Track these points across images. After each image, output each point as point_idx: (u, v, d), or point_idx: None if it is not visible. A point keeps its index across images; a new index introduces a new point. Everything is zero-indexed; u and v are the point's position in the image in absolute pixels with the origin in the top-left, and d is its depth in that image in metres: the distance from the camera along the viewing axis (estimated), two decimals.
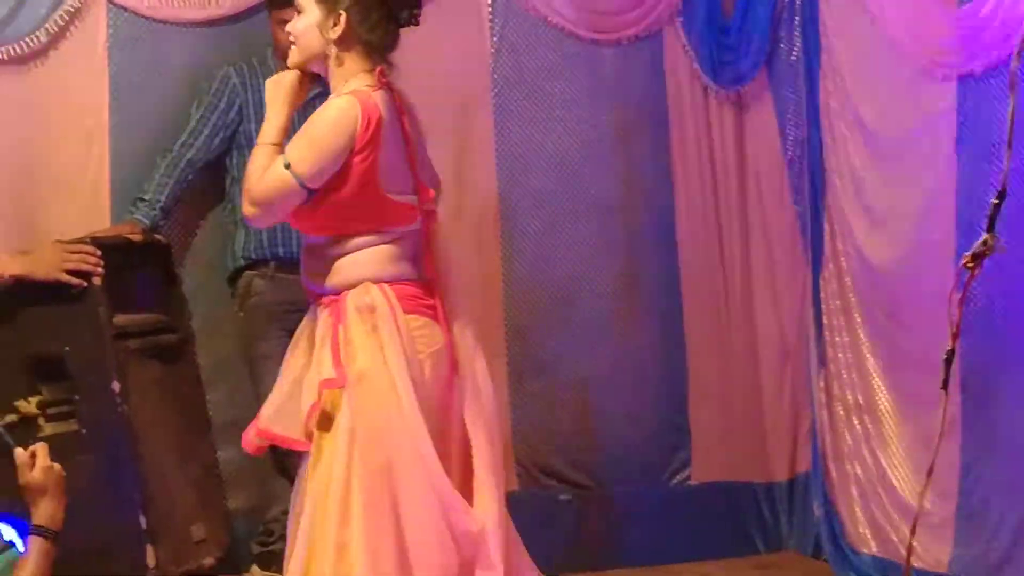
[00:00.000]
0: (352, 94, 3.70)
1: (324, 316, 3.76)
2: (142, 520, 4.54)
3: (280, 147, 3.73)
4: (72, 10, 5.03)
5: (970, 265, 3.59)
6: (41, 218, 5.02)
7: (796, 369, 5.82)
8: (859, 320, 5.46)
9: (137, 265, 4.92)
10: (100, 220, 5.06)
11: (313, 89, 3.99)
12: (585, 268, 5.68)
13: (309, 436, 3.71)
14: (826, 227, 5.59)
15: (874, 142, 5.41)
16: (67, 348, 4.56)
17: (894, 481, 5.24)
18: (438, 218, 3.91)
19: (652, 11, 5.67)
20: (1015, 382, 4.63)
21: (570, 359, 5.65)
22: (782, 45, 5.76)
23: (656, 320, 5.76)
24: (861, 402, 5.42)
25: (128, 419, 4.57)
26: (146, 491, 4.59)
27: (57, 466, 3.41)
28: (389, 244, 3.77)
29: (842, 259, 5.53)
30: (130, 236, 4.92)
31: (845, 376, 5.51)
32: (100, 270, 4.58)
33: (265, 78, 4.85)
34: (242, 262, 5.02)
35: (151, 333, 4.87)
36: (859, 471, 5.44)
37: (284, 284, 4.90)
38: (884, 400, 5.32)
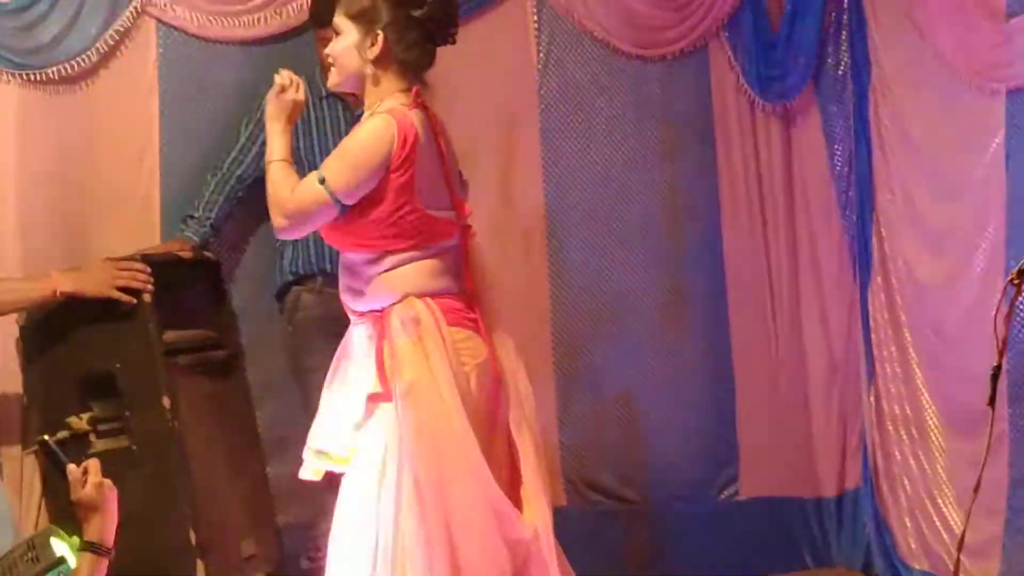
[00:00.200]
0: (388, 113, 3.73)
1: (366, 332, 3.79)
2: (192, 536, 4.56)
3: (288, 162, 3.79)
4: (122, 30, 5.06)
5: (1016, 281, 3.58)
6: (92, 235, 5.05)
7: (844, 384, 5.79)
8: (907, 335, 5.44)
9: (187, 282, 4.95)
10: (150, 237, 5.09)
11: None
12: (632, 283, 5.68)
13: (352, 451, 3.73)
14: (874, 242, 5.57)
15: (923, 157, 5.40)
16: (118, 365, 4.61)
17: (941, 497, 5.21)
18: (475, 232, 3.92)
19: (698, 26, 5.67)
20: None
21: (617, 374, 5.65)
22: (829, 60, 5.74)
23: (703, 335, 5.74)
24: (910, 417, 5.40)
25: (178, 435, 4.60)
26: (196, 507, 4.61)
27: (108, 482, 3.40)
28: (430, 259, 3.80)
29: (891, 274, 5.52)
30: (180, 253, 4.96)
31: (894, 391, 5.49)
32: (150, 287, 4.61)
33: (314, 96, 4.94)
34: (290, 277, 5.04)
35: (201, 349, 4.91)
36: (909, 486, 5.42)
37: (332, 299, 4.90)
38: (932, 416, 5.29)
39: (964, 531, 3.98)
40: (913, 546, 5.36)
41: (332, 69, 3.87)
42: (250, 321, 5.20)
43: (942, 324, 5.23)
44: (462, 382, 3.73)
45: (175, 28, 5.15)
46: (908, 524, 5.42)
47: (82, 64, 5.02)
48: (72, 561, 3.34)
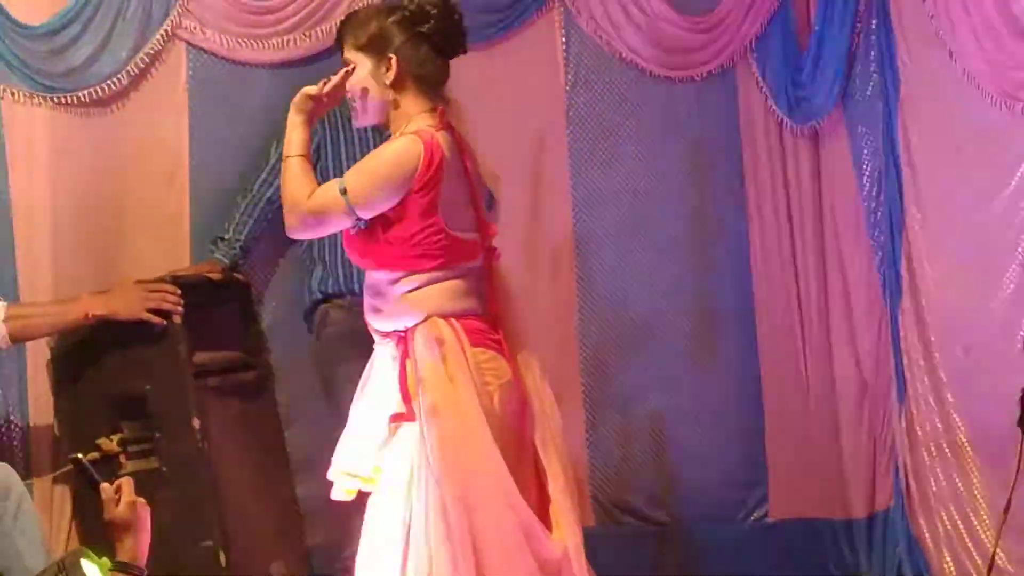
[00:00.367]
0: (416, 133, 3.74)
1: (390, 353, 3.80)
2: (222, 557, 4.56)
3: (307, 157, 3.81)
4: (153, 52, 5.08)
5: None
6: (122, 257, 5.07)
7: (874, 404, 5.77)
8: (937, 355, 5.43)
9: (217, 303, 4.96)
10: (180, 259, 5.10)
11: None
12: (660, 303, 5.68)
13: (377, 472, 3.74)
14: (903, 262, 5.56)
15: (952, 176, 5.39)
16: (148, 386, 4.61)
17: (974, 518, 5.19)
18: (500, 254, 3.93)
19: (726, 47, 5.68)
20: None
21: (646, 394, 5.64)
22: (858, 80, 5.74)
23: (732, 355, 5.74)
24: (942, 437, 5.39)
25: (208, 456, 4.61)
26: (225, 528, 4.62)
27: (142, 501, 3.39)
28: (454, 280, 3.80)
29: (920, 294, 5.51)
30: (210, 275, 4.97)
31: (926, 412, 5.48)
32: (180, 309, 4.62)
33: (342, 117, 4.96)
34: (319, 295, 5.04)
35: (230, 371, 4.91)
36: (942, 507, 5.40)
37: (360, 314, 4.91)
38: (963, 436, 5.28)
39: (993, 553, 3.97)
40: (946, 567, 5.33)
41: (355, 107, 3.89)
42: (279, 342, 5.21)
43: (972, 344, 5.21)
44: (486, 402, 3.73)
45: (205, 51, 5.17)
46: (941, 545, 5.40)
47: (113, 87, 5.04)
48: None
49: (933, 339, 5.49)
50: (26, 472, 4.72)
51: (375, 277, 3.84)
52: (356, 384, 3.95)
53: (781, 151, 5.75)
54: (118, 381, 4.66)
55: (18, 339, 4.49)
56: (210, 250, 5.05)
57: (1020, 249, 4.93)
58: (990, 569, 4.03)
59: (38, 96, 4.94)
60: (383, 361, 3.83)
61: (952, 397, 5.40)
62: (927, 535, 5.47)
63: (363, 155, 4.74)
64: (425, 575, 3.64)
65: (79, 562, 3.34)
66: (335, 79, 3.86)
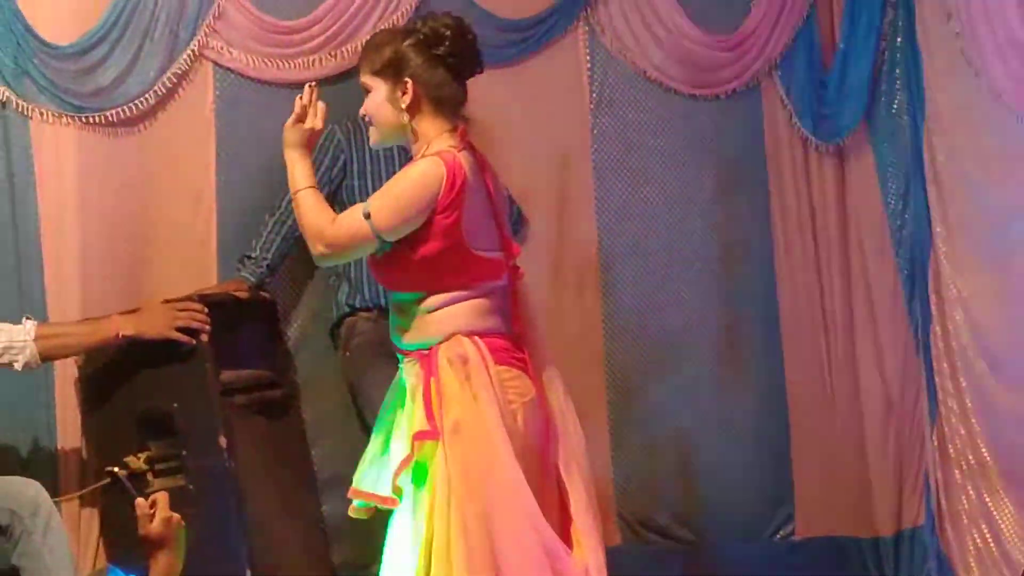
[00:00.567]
0: (437, 155, 3.76)
1: (414, 371, 3.81)
2: (248, 575, 4.58)
3: (316, 188, 3.86)
4: (180, 72, 5.11)
5: None
6: (149, 276, 5.08)
7: (900, 421, 5.76)
8: (966, 374, 5.42)
9: (243, 322, 4.97)
10: (207, 278, 5.12)
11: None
12: (685, 321, 5.67)
13: (398, 491, 3.75)
14: (931, 282, 5.55)
15: (978, 193, 5.39)
16: (175, 404, 4.63)
17: (1004, 537, 5.18)
18: (523, 273, 3.94)
19: (751, 65, 5.69)
20: None
21: (671, 412, 5.63)
22: (883, 98, 5.74)
23: (758, 373, 5.73)
24: (973, 456, 5.38)
25: (234, 474, 4.62)
26: (252, 546, 4.62)
27: (176, 517, 3.34)
28: (478, 299, 3.81)
29: (948, 312, 5.50)
30: (236, 293, 4.98)
31: (956, 429, 5.47)
32: (208, 327, 4.64)
33: (368, 136, 4.98)
34: (347, 309, 5.05)
35: (257, 389, 4.92)
36: (972, 525, 5.39)
37: (386, 326, 4.93)
38: (992, 454, 5.27)
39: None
40: None
41: (371, 128, 3.91)
42: (305, 360, 5.22)
43: (997, 363, 5.20)
44: (509, 420, 3.74)
45: (231, 71, 5.19)
46: (972, 563, 5.38)
47: (140, 106, 5.07)
48: None
49: (960, 358, 5.48)
50: (54, 490, 4.74)
51: (400, 297, 3.85)
52: (384, 391, 3.96)
53: (806, 169, 5.76)
54: (145, 399, 4.68)
55: (47, 358, 4.50)
56: (236, 269, 5.06)
57: None
58: None
59: (66, 116, 4.96)
60: (406, 380, 3.83)
61: (980, 415, 5.38)
62: (958, 553, 5.45)
63: (389, 172, 4.79)
64: None
65: None
66: (304, 97, 3.90)
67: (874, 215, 5.77)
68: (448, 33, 3.81)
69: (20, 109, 4.91)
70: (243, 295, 5.00)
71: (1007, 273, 5.18)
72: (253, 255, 5.04)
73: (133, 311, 4.68)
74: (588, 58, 5.61)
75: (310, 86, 3.97)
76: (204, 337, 4.63)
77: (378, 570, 5.03)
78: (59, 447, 4.87)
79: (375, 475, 3.84)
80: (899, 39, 5.68)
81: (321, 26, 5.24)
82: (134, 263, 5.09)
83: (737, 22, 5.70)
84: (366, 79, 3.90)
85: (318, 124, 3.93)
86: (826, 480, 5.74)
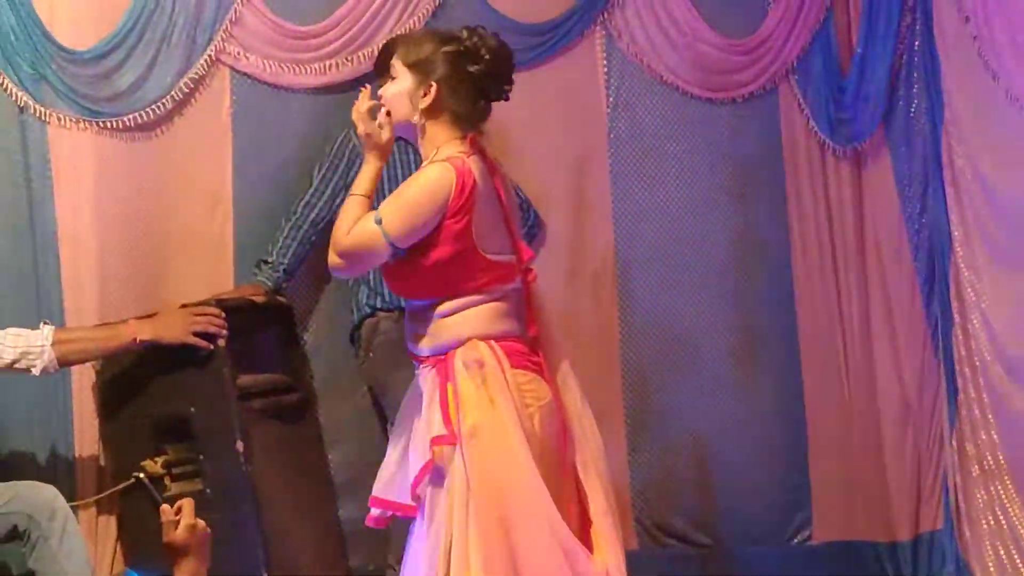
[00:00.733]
0: (447, 160, 3.76)
1: (430, 377, 3.81)
2: None
3: (370, 198, 3.82)
4: (197, 78, 5.12)
5: None
6: (166, 280, 5.10)
7: (918, 425, 5.75)
8: (985, 378, 5.41)
9: (260, 326, 4.99)
10: (224, 282, 5.13)
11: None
12: (702, 325, 5.67)
13: (417, 499, 3.75)
14: (951, 285, 5.55)
15: (997, 197, 5.38)
16: (192, 409, 4.64)
17: None
18: (536, 276, 3.94)
19: (767, 69, 5.68)
20: None
21: (688, 416, 5.63)
22: (900, 102, 5.73)
23: (775, 377, 5.72)
24: (992, 460, 5.37)
25: (251, 478, 4.63)
26: (269, 549, 4.63)
27: (201, 523, 3.32)
28: (493, 302, 3.81)
29: (969, 316, 5.49)
30: (253, 298, 5.00)
31: (975, 433, 5.46)
32: (225, 332, 4.65)
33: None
34: (368, 309, 5.04)
35: (273, 393, 4.94)
36: (990, 530, 5.38)
37: None
38: (1011, 459, 5.26)
39: None
40: None
41: (381, 111, 3.91)
42: (322, 364, 5.23)
43: (1019, 368, 5.20)
44: (527, 423, 3.74)
45: (248, 76, 5.20)
46: (991, 568, 5.37)
47: (157, 111, 5.08)
48: None
49: (979, 361, 5.47)
50: (72, 494, 4.76)
51: (415, 304, 3.86)
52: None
53: (823, 172, 5.75)
54: (163, 404, 4.69)
55: (65, 363, 4.51)
56: (253, 273, 5.08)
57: None
58: None
59: (84, 121, 4.98)
60: (423, 386, 3.84)
61: (998, 419, 5.38)
62: (976, 557, 5.44)
63: (405, 174, 4.80)
64: None
65: None
66: (357, 105, 3.88)
67: (891, 219, 5.76)
68: (487, 56, 3.81)
69: (38, 114, 4.93)
70: (260, 299, 5.01)
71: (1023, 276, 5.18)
72: (270, 259, 5.06)
73: (150, 316, 4.69)
74: (605, 62, 5.61)
75: (361, 87, 3.94)
76: (221, 342, 4.64)
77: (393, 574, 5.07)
78: (76, 451, 4.89)
79: (395, 483, 3.84)
80: (917, 42, 5.67)
81: (338, 31, 5.25)
82: (151, 267, 5.10)
83: (754, 26, 5.70)
84: (396, 64, 3.88)
85: (385, 135, 3.88)
86: (844, 484, 5.73)
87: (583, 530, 3.82)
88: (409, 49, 3.88)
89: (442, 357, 3.79)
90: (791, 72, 5.71)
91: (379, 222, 3.73)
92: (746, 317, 5.71)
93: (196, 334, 4.60)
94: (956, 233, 5.54)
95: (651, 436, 5.59)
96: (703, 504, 5.63)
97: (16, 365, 4.39)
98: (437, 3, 5.33)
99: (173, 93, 5.09)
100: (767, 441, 5.70)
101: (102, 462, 4.88)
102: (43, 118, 4.94)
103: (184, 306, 4.73)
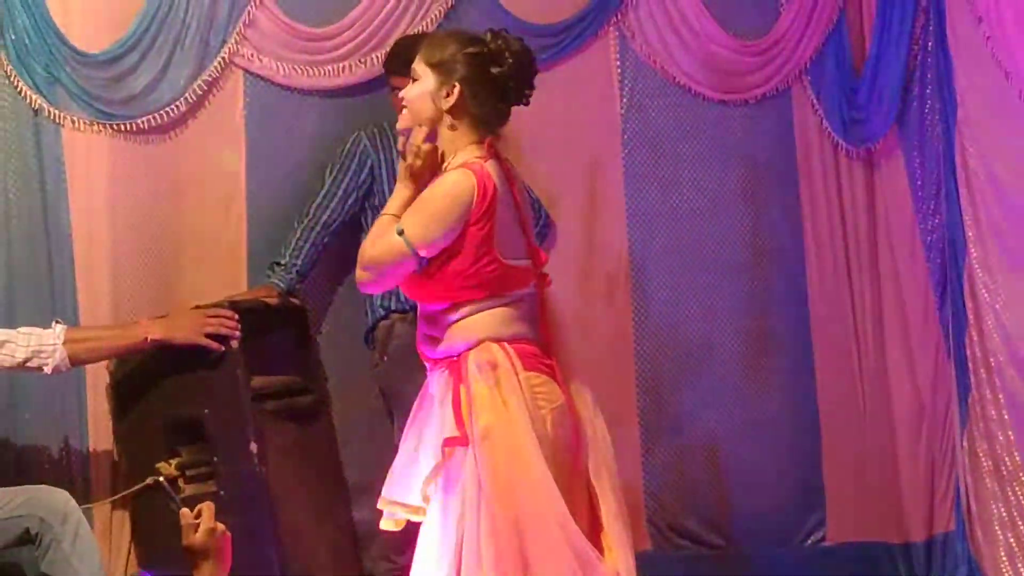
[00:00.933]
0: (466, 167, 3.76)
1: (442, 379, 3.81)
2: None
3: (399, 219, 3.79)
4: (210, 80, 5.13)
5: None
6: (180, 282, 5.11)
7: (932, 427, 5.74)
8: (998, 379, 5.40)
9: (273, 328, 4.99)
10: (237, 284, 5.14)
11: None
12: (716, 327, 5.67)
13: (428, 500, 3.75)
14: (966, 286, 5.54)
15: (1010, 197, 5.38)
16: (206, 410, 4.65)
17: None
18: (551, 281, 3.94)
19: (780, 70, 5.68)
20: None
21: (702, 418, 5.63)
22: (914, 102, 5.72)
23: (788, 378, 5.72)
24: (1004, 461, 5.36)
25: (265, 480, 4.63)
26: (283, 551, 4.64)
27: (221, 527, 3.29)
28: (507, 306, 3.81)
29: (983, 316, 5.48)
30: (266, 299, 5.00)
31: (988, 435, 5.45)
32: (238, 333, 4.66)
33: (395, 140, 5.00)
34: (382, 311, 5.04)
35: (287, 395, 4.94)
36: (1003, 532, 5.37)
37: None
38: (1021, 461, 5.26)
39: None
40: None
41: (403, 112, 3.90)
42: (336, 366, 5.23)
43: None
44: (539, 426, 3.74)
45: (261, 78, 5.21)
46: (1004, 570, 5.37)
47: (171, 114, 5.09)
48: None
49: (994, 362, 5.47)
50: (86, 495, 4.77)
51: (429, 307, 3.85)
52: None
53: (836, 173, 5.74)
54: (176, 405, 4.70)
55: (77, 362, 4.52)
56: (266, 275, 5.08)
57: None
58: None
59: (98, 124, 4.99)
60: (435, 388, 3.84)
61: (1013, 421, 5.37)
62: (989, 560, 5.44)
63: None
64: None
65: None
66: (413, 138, 3.85)
67: (905, 220, 5.75)
68: (511, 60, 3.80)
69: (52, 117, 4.94)
70: (273, 301, 5.02)
71: None
72: (283, 261, 5.06)
73: (163, 317, 4.70)
74: (618, 63, 5.60)
75: (419, 126, 3.88)
76: (234, 343, 4.65)
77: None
78: (91, 452, 4.90)
79: (405, 485, 3.84)
80: (930, 43, 5.66)
81: (351, 33, 5.26)
82: (165, 269, 5.12)
83: (766, 27, 5.69)
84: (418, 65, 3.86)
85: (417, 163, 3.87)
86: (857, 485, 5.72)
87: (594, 533, 3.82)
88: (432, 49, 3.87)
89: (455, 359, 3.79)
90: (804, 73, 5.71)
91: (401, 233, 3.73)
92: (759, 319, 5.71)
93: (209, 335, 4.61)
94: (970, 234, 5.53)
95: (665, 437, 5.59)
96: (716, 505, 5.62)
97: (28, 364, 4.40)
98: (449, 5, 5.33)
99: (187, 95, 5.10)
100: (781, 442, 5.69)
101: (116, 462, 4.88)
102: (57, 120, 4.95)
103: (197, 307, 4.74)
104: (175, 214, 5.14)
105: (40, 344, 4.40)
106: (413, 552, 3.82)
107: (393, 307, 5.02)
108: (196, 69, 5.10)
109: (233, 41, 5.15)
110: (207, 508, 3.27)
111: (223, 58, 5.15)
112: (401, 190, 3.86)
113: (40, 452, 4.84)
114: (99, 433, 4.90)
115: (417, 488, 3.77)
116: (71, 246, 4.96)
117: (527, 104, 3.88)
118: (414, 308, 4.85)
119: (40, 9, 4.89)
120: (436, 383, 3.84)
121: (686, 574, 5.54)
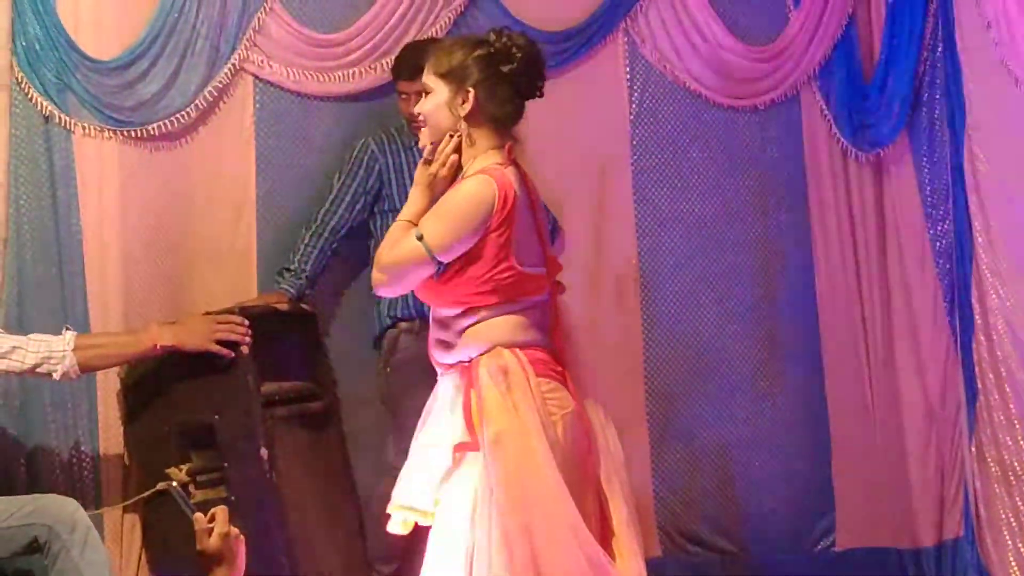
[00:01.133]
0: (487, 173, 3.75)
1: (453, 384, 3.81)
2: None
3: (415, 225, 3.78)
4: (220, 86, 5.14)
5: None
6: (190, 288, 5.11)
7: (941, 432, 5.74)
8: (1008, 383, 5.40)
9: (284, 334, 4.99)
10: (248, 290, 5.14)
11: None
12: (725, 332, 5.67)
13: (438, 504, 3.75)
14: (974, 291, 5.54)
15: (1019, 204, 5.37)
16: (216, 416, 4.65)
17: None
18: (564, 288, 3.94)
19: (790, 75, 5.69)
20: None
21: (712, 423, 5.63)
22: (923, 108, 5.73)
23: (798, 384, 5.72)
24: (1013, 466, 5.36)
25: (276, 486, 4.64)
26: (293, 556, 4.64)
27: (235, 531, 3.26)
28: (520, 313, 3.80)
29: (991, 322, 5.48)
30: (277, 305, 5.01)
31: (996, 439, 5.45)
32: (248, 339, 4.66)
33: (403, 145, 5.01)
34: (388, 320, 5.06)
35: (298, 401, 4.95)
36: (1012, 537, 5.37)
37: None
38: None
39: None
40: None
41: (424, 129, 3.89)
42: (346, 372, 5.23)
43: None
44: (550, 432, 3.73)
45: (271, 84, 5.22)
46: (1014, 574, 5.36)
47: (181, 120, 5.09)
48: None
49: (1003, 367, 5.46)
50: (96, 501, 4.78)
51: (442, 312, 3.85)
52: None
53: (845, 179, 5.75)
54: (187, 411, 4.70)
55: (87, 369, 4.52)
56: (276, 281, 5.08)
57: None
58: None
59: (108, 130, 5.00)
60: (446, 393, 3.84)
61: (1021, 425, 5.37)
62: (998, 564, 5.43)
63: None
64: None
65: None
66: (443, 146, 3.84)
67: (914, 225, 5.75)
68: (519, 55, 3.79)
69: (63, 123, 4.95)
70: (283, 307, 5.02)
71: None
72: (292, 267, 5.07)
73: (173, 323, 4.70)
74: (627, 69, 5.61)
75: (451, 136, 3.86)
76: (244, 349, 4.65)
77: None
78: (101, 457, 4.90)
79: (415, 489, 3.84)
80: (939, 48, 5.67)
81: (361, 39, 5.27)
82: (175, 275, 5.12)
83: (776, 32, 5.70)
84: (429, 80, 3.85)
85: (443, 172, 3.87)
86: (867, 491, 5.73)
87: (604, 540, 3.81)
88: (439, 60, 3.85)
89: (466, 364, 3.78)
90: (813, 79, 5.72)
91: (420, 238, 3.72)
92: (769, 324, 5.71)
93: (219, 342, 4.61)
94: (979, 239, 5.53)
95: (674, 442, 5.60)
96: (727, 511, 5.63)
97: (38, 369, 4.40)
98: (459, 12, 5.34)
99: (197, 102, 5.11)
100: (790, 448, 5.69)
101: (127, 468, 4.89)
102: (68, 127, 4.96)
103: (207, 314, 4.74)
104: (185, 220, 5.14)
105: (50, 350, 4.40)
106: (402, 564, 3.81)
107: (400, 315, 5.03)
108: (206, 76, 5.11)
109: (243, 47, 5.15)
110: (220, 512, 3.25)
111: (233, 64, 5.15)
112: (418, 196, 3.86)
113: (51, 457, 4.84)
114: (110, 439, 4.90)
115: (427, 493, 3.78)
116: (82, 252, 4.96)
117: (541, 96, 3.87)
118: (420, 316, 4.89)
119: (51, 16, 4.90)
120: (447, 388, 3.84)
121: None
